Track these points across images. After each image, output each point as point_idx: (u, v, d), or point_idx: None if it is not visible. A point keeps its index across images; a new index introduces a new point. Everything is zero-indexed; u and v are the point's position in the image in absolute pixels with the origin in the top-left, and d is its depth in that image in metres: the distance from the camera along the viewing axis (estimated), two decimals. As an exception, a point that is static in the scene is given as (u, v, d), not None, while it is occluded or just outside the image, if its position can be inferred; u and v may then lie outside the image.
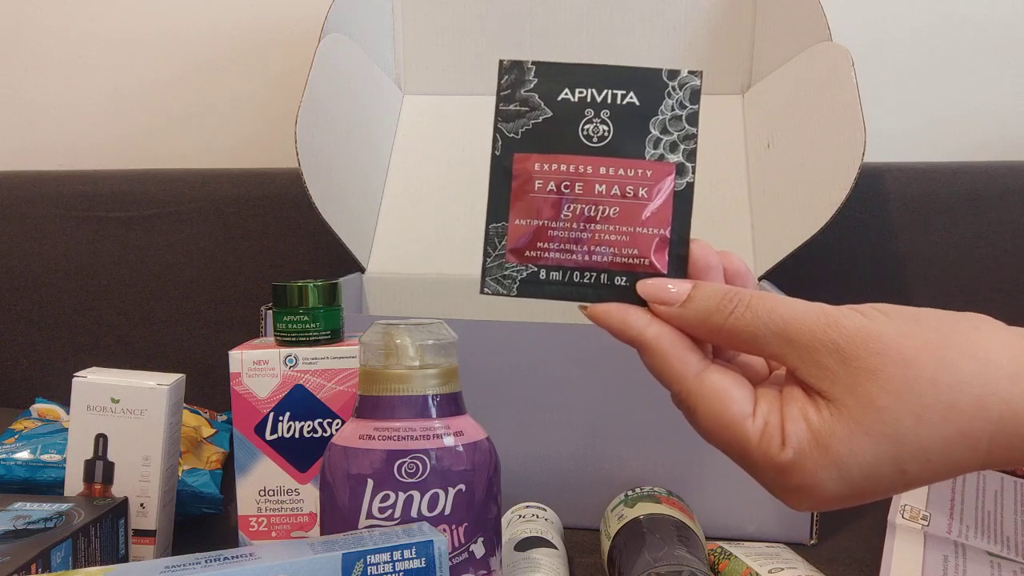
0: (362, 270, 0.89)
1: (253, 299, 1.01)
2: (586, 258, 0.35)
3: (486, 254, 0.36)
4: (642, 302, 0.35)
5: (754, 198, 0.87)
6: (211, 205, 1.03)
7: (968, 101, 1.00)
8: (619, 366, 0.65)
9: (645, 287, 0.35)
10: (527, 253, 0.36)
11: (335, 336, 0.54)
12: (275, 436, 0.53)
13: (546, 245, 0.36)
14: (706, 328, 0.33)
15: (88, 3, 1.12)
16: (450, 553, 0.41)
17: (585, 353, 0.66)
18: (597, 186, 0.35)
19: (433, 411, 0.42)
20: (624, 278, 0.35)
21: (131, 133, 1.15)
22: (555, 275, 0.36)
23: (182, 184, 1.04)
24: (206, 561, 0.35)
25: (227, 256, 1.02)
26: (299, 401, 0.53)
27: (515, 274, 0.36)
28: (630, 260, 0.35)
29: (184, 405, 0.63)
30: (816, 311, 0.31)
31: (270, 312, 0.56)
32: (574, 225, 0.35)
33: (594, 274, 0.35)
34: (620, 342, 0.35)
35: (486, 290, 0.36)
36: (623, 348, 0.65)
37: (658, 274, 0.35)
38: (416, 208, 0.93)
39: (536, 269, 0.36)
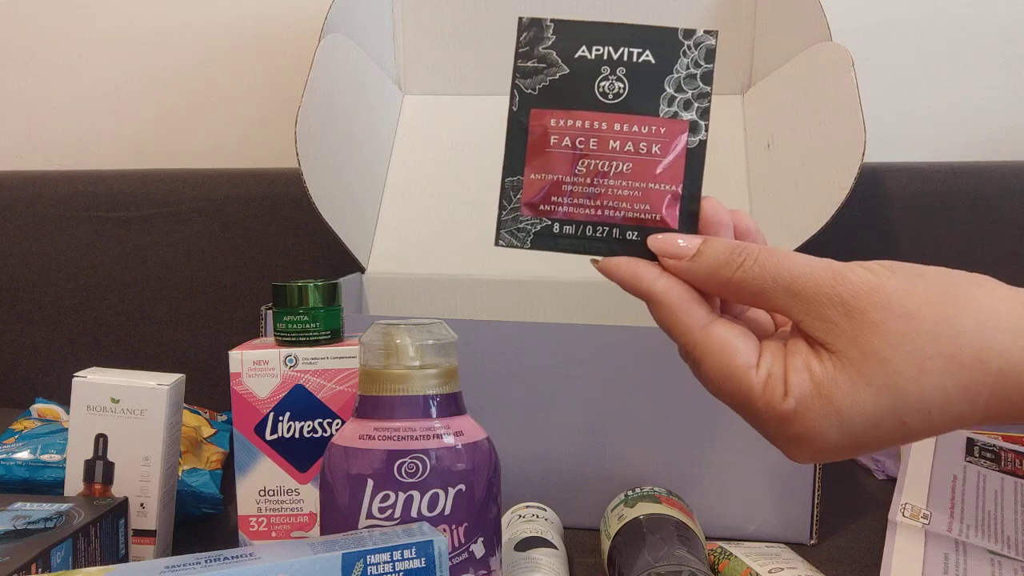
0: (362, 270, 0.89)
1: (253, 299, 1.01)
2: (599, 213, 0.36)
3: (501, 207, 0.36)
4: (653, 257, 0.35)
5: (754, 198, 0.87)
6: (211, 205, 1.03)
7: (968, 101, 1.00)
8: (619, 366, 0.65)
9: (656, 241, 0.35)
10: (542, 207, 0.36)
11: (335, 336, 0.54)
12: (275, 436, 0.53)
13: (560, 199, 0.36)
14: (715, 282, 0.34)
15: (88, 3, 1.12)
16: (450, 553, 0.41)
17: (585, 353, 0.66)
18: (611, 142, 0.36)
19: (433, 411, 0.42)
20: (636, 233, 0.36)
21: (131, 133, 1.15)
22: (568, 229, 0.36)
23: (182, 184, 1.04)
24: (206, 561, 0.35)
25: (227, 256, 1.02)
26: (299, 401, 0.53)
27: (529, 227, 0.36)
28: (642, 215, 0.36)
29: (184, 405, 0.63)
30: (822, 266, 0.32)
31: (270, 312, 0.56)
32: (588, 180, 0.36)
33: (606, 228, 0.36)
34: (619, 341, 0.35)
35: (500, 242, 0.37)
36: (623, 348, 0.65)
37: (669, 229, 0.35)
38: (416, 208, 0.93)
39: (550, 223, 0.36)
